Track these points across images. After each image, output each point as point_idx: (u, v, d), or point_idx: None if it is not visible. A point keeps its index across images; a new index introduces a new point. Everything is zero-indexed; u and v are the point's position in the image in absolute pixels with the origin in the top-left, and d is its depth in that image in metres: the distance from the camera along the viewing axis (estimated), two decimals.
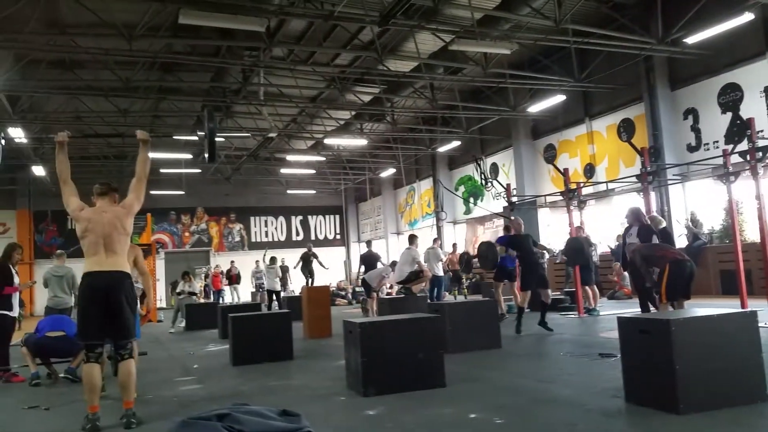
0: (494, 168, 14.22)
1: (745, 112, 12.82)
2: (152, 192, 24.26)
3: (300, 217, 31.67)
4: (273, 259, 16.39)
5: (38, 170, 20.87)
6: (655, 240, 7.34)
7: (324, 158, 24.00)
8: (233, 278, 22.50)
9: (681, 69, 14.90)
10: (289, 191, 29.34)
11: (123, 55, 12.49)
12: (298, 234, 31.53)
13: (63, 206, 4.83)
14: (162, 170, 22.94)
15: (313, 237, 31.47)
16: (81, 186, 5.08)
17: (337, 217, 32.63)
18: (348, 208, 32.75)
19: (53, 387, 6.55)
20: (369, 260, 12.64)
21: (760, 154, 8.07)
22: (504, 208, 14.87)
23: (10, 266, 7.20)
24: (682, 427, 3.67)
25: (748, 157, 8.18)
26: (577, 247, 10.21)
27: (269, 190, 29.32)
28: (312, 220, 31.96)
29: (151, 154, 17.50)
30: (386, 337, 5.31)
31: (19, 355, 7.02)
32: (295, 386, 5.90)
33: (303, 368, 7.03)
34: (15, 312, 7.24)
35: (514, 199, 13.49)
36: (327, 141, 21.25)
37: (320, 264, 17.79)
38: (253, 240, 30.44)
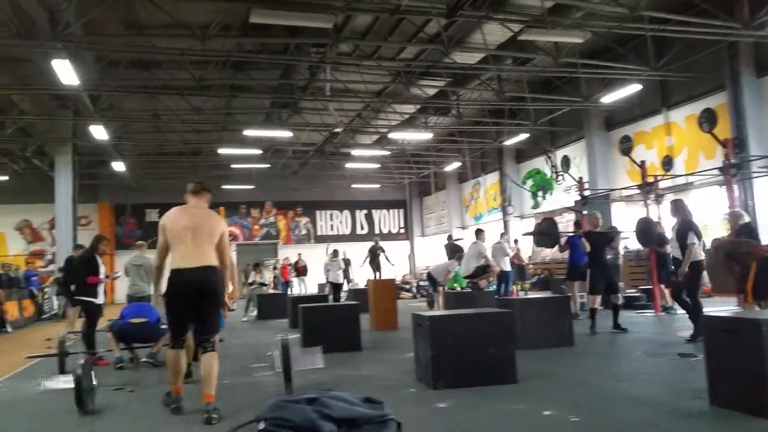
0: (566, 161, 13.80)
1: None
2: (224, 187, 25.22)
3: (364, 211, 32.00)
4: (335, 252, 16.68)
5: (118, 166, 21.91)
6: (692, 237, 6.96)
7: (388, 152, 24.09)
8: (301, 270, 23.08)
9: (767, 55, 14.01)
10: (353, 185, 29.70)
11: (197, 54, 12.95)
12: (362, 228, 31.88)
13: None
14: (233, 165, 23.70)
15: (377, 231, 31.76)
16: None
17: (401, 211, 32.75)
18: (412, 202, 32.80)
19: (135, 371, 6.90)
20: (452, 251, 12.81)
21: None
22: (576, 202, 14.49)
23: (96, 257, 7.63)
24: None
25: None
26: (646, 228, 9.78)
27: (334, 185, 29.77)
28: (376, 214, 32.23)
29: (224, 150, 18.02)
30: (456, 331, 5.28)
31: (104, 340, 7.44)
32: (366, 377, 5.98)
33: (372, 359, 7.11)
34: (100, 300, 7.66)
35: (587, 192, 13.09)
36: (391, 135, 21.31)
37: (386, 259, 17.91)
38: (319, 233, 31.03)
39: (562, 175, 13.76)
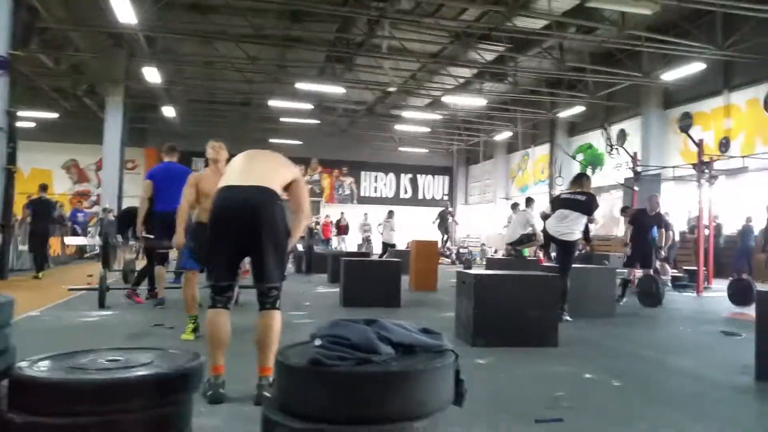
0: (622, 134, 13.43)
1: None
2: (271, 140, 25.44)
3: (410, 176, 31.93)
4: (391, 213, 17.08)
5: (168, 111, 21.99)
6: None
7: (440, 116, 23.85)
8: (342, 229, 23.32)
9: None
10: (401, 148, 29.58)
11: (255, 0, 12.91)
12: (406, 192, 31.87)
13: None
14: (282, 119, 23.85)
15: (420, 196, 31.72)
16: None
17: (447, 178, 32.56)
18: (458, 169, 32.55)
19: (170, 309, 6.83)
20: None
21: None
22: (626, 179, 14.15)
23: None
24: None
25: None
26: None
27: (382, 146, 29.69)
28: (421, 179, 32.13)
29: (274, 103, 18.00)
30: (499, 291, 5.31)
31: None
32: None
33: (410, 316, 7.13)
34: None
35: (639, 168, 12.77)
36: (444, 99, 21.06)
37: (454, 221, 18.33)
38: (362, 194, 31.18)
39: (617, 148, 13.40)
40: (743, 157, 12.40)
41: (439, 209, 20.25)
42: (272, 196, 3.40)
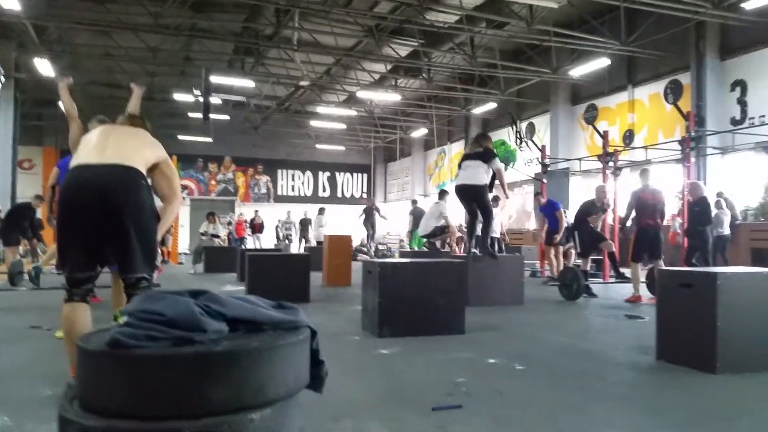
0: (530, 128, 13.78)
1: None
2: (180, 137, 24.31)
3: (327, 173, 31.53)
4: (322, 210, 17.49)
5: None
6: None
7: (356, 112, 23.60)
8: (257, 227, 22.62)
9: (733, 37, 14.09)
10: (318, 146, 29.11)
11: None
12: (324, 190, 31.45)
13: None
14: (190, 114, 22.81)
15: (339, 194, 31.40)
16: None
17: (365, 175, 32.39)
18: (376, 167, 32.46)
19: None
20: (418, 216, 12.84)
21: None
22: (536, 173, 14.44)
23: None
24: (718, 386, 3.41)
25: None
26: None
27: (298, 144, 29.12)
28: (339, 177, 31.80)
29: (180, 96, 17.09)
30: (406, 279, 5.10)
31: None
32: None
33: (319, 311, 6.88)
34: None
35: (548, 161, 13.07)
36: (360, 95, 20.83)
37: (381, 216, 18.30)
38: (279, 193, 30.45)
39: (525, 141, 13.67)
40: (646, 147, 12.93)
41: (363, 206, 20.10)
42: (134, 174, 2.94)
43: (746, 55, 13.85)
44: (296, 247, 21.60)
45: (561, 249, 11.19)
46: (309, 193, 31.01)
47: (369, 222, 17.99)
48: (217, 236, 15.05)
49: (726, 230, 11.39)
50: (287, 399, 1.40)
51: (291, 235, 22.63)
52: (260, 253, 8.63)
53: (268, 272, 7.50)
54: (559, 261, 11.03)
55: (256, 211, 23.60)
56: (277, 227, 23.78)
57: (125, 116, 3.63)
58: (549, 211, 11.20)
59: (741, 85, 14.05)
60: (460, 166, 7.62)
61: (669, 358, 3.93)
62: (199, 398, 1.24)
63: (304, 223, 22.36)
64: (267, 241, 23.23)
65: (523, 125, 16.86)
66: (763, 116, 13.00)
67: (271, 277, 7.42)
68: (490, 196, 7.66)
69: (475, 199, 7.35)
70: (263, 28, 15.87)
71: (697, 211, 8.74)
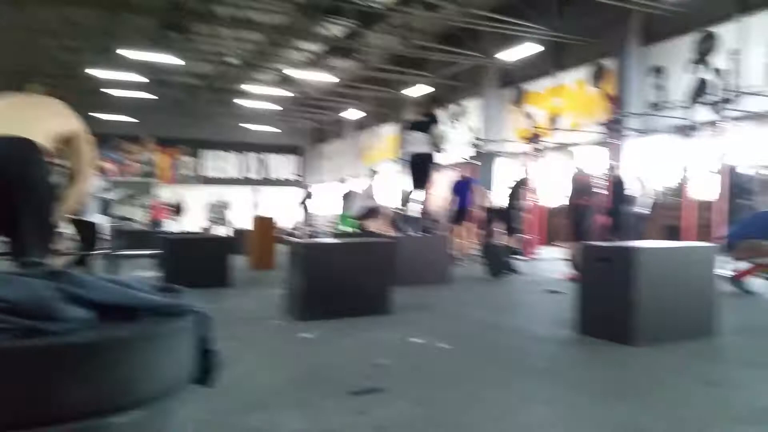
0: (462, 111, 13.92)
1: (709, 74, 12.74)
2: (97, 115, 22.98)
3: (257, 155, 30.72)
4: (257, 191, 16.53)
5: None
6: None
7: (288, 93, 23.03)
8: (178, 210, 21.75)
9: (655, 25, 14.60)
10: (248, 126, 28.28)
11: None
12: (255, 172, 30.67)
13: None
14: (111, 91, 21.62)
15: (271, 176, 30.72)
16: None
17: (298, 157, 31.83)
18: (309, 148, 31.95)
19: None
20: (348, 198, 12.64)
21: (726, 105, 7.91)
22: (471, 157, 14.61)
23: None
24: (635, 358, 3.47)
25: (714, 108, 7.99)
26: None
27: (226, 124, 28.10)
28: (270, 159, 31.08)
29: (98, 72, 16.11)
30: (332, 260, 4.96)
31: None
32: (226, 309, 5.47)
33: (240, 295, 6.64)
34: None
35: (479, 143, 13.21)
36: (292, 75, 20.31)
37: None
38: (205, 174, 29.43)
39: (457, 122, 13.75)
40: (572, 130, 13.26)
41: (298, 188, 19.86)
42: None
43: (666, 43, 14.39)
44: (225, 231, 21.03)
45: (471, 228, 10.91)
46: (238, 174, 30.15)
47: (305, 206, 17.75)
48: (129, 219, 14.32)
49: (644, 209, 11.87)
50: (166, 397, 1.21)
51: (222, 218, 22.03)
52: (177, 236, 8.23)
53: (186, 256, 7.11)
54: (468, 239, 10.77)
55: (177, 193, 22.70)
56: (207, 210, 23.04)
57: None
58: (462, 188, 10.78)
59: (660, 71, 14.61)
60: (408, 131, 7.71)
61: (589, 332, 3.98)
62: (49, 401, 1.03)
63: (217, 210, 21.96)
64: (193, 224, 22.44)
65: (456, 109, 17.00)
66: (680, 101, 13.58)
67: (189, 261, 7.02)
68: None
69: (415, 167, 7.50)
70: (190, 3, 15.12)
71: (617, 191, 9.04)
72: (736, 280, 6.16)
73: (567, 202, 8.37)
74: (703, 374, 3.12)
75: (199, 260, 7.06)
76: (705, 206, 10.45)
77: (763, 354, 3.56)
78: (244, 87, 22.01)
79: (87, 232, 5.05)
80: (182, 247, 7.31)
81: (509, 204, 9.32)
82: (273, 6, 15.60)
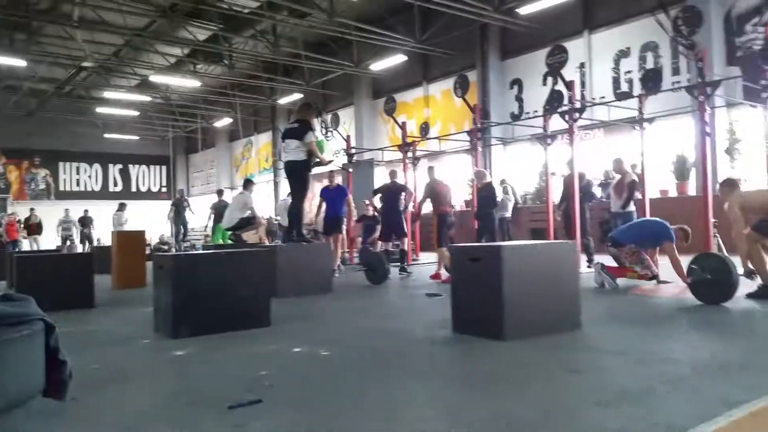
0: (336, 119, 14.01)
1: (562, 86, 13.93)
2: None
3: (119, 166, 28.82)
4: (122, 206, 16.25)
5: None
6: None
7: (149, 99, 21.86)
8: (32, 228, 19.81)
9: (511, 40, 15.74)
10: (107, 135, 26.41)
11: None
12: (116, 184, 28.75)
13: None
14: None
15: (134, 189, 29.00)
16: None
17: (164, 168, 30.26)
18: (177, 158, 30.50)
19: None
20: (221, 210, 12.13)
21: (577, 115, 8.64)
22: (343, 164, 14.67)
23: None
24: (506, 352, 3.65)
25: (567, 117, 8.70)
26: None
27: (83, 133, 26.11)
28: (133, 170, 29.27)
29: None
30: (204, 273, 4.73)
31: None
32: (88, 331, 5.07)
33: (105, 315, 6.17)
34: None
35: (353, 152, 13.39)
36: (154, 79, 19.31)
37: (191, 211, 16.94)
38: (61, 189, 27.10)
39: (331, 131, 13.82)
40: (440, 138, 13.85)
41: (164, 201, 18.74)
42: None
43: (522, 57, 15.53)
44: (80, 249, 19.43)
45: (342, 237, 10.88)
46: (98, 187, 28.07)
47: (179, 218, 16.74)
48: None
49: (509, 213, 12.65)
50: (8, 411, 1.08)
51: (72, 236, 20.26)
52: (31, 255, 7.49)
53: (42, 276, 6.50)
54: (341, 248, 10.73)
55: (32, 210, 20.69)
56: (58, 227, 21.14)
57: None
58: (331, 195, 10.48)
59: (518, 83, 15.73)
60: (283, 140, 7.65)
61: (464, 330, 4.15)
62: None
63: (85, 222, 20.27)
64: (48, 243, 20.51)
65: (329, 116, 17.05)
66: (537, 111, 14.67)
67: (46, 281, 6.43)
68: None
69: (291, 176, 7.44)
70: (36, 1, 13.87)
71: (484, 195, 9.53)
72: (609, 272, 6.74)
73: (432, 210, 8.74)
74: (568, 363, 3.35)
75: (56, 281, 6.46)
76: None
77: (621, 343, 3.89)
78: (104, 93, 20.59)
79: None
80: (37, 267, 6.67)
81: (391, 210, 9.51)
82: (132, 8, 14.76)
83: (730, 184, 6.00)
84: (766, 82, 7.94)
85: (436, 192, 8.64)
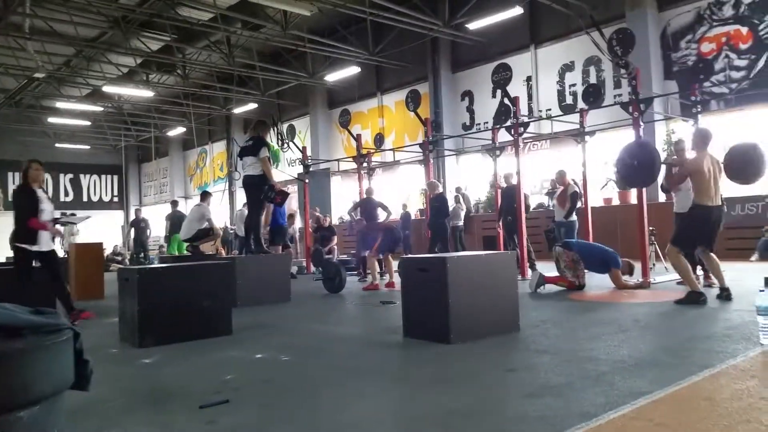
0: (291, 130, 14.26)
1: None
2: None
3: (70, 176, 28.27)
4: (72, 216, 15.31)
5: None
6: None
7: (102, 109, 21.62)
8: None
9: (461, 53, 16.33)
10: (57, 145, 25.91)
11: None
12: (67, 194, 28.18)
13: None
14: None
15: (85, 198, 28.46)
16: None
17: (116, 177, 29.79)
18: (129, 168, 30.07)
19: None
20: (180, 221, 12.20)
21: (522, 129, 9.16)
22: (299, 173, 14.93)
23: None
24: (451, 354, 4.02)
25: (512, 131, 9.21)
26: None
27: (33, 143, 25.49)
28: (85, 180, 28.75)
29: None
30: (167, 284, 4.98)
31: None
32: None
33: None
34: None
35: (309, 162, 13.64)
36: (106, 89, 19.16)
37: (149, 231, 16.84)
38: (11, 200, 26.36)
39: (287, 143, 14.08)
40: (394, 149, 14.35)
41: (121, 212, 18.56)
42: None
43: (472, 69, 16.13)
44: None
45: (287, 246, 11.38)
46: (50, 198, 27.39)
47: (140, 240, 16.73)
48: None
49: (461, 221, 13.13)
50: (53, 397, 1.45)
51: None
52: None
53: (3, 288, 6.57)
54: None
55: None
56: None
57: None
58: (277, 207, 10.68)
59: (469, 95, 16.31)
60: (240, 158, 7.92)
61: (414, 335, 4.52)
62: None
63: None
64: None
65: (285, 126, 17.30)
66: (487, 122, 15.27)
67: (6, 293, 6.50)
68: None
69: (248, 189, 7.72)
70: None
71: (437, 206, 9.97)
72: (546, 281, 7.30)
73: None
74: (505, 362, 3.75)
75: (9, 294, 6.50)
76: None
77: (554, 343, 4.30)
78: (54, 103, 20.28)
79: None
80: None
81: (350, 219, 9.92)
82: (84, 18, 14.71)
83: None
84: (695, 98, 8.41)
85: (371, 207, 9.15)
